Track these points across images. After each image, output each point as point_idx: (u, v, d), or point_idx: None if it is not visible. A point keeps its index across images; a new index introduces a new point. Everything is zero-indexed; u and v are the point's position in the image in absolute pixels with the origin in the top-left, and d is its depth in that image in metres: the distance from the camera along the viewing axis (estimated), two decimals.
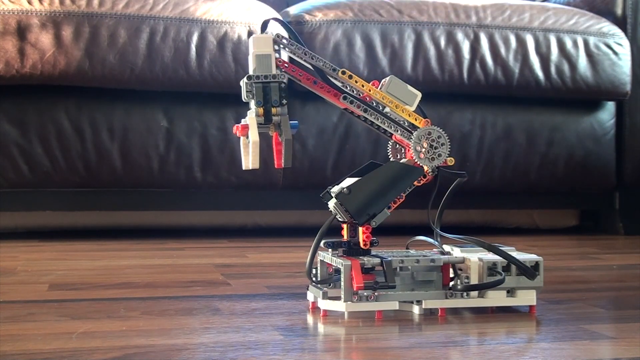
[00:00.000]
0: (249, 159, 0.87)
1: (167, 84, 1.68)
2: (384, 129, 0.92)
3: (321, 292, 0.90)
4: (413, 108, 0.92)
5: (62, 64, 1.62)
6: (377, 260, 0.88)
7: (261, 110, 0.86)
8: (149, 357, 0.71)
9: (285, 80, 0.87)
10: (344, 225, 0.93)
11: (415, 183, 0.91)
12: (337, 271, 0.93)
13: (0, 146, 1.65)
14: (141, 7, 1.67)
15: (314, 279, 0.93)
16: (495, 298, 0.92)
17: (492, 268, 0.91)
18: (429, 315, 0.90)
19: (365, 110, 0.91)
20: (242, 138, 0.89)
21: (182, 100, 1.73)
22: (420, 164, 0.90)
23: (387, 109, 0.91)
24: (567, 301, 1.01)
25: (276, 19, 0.98)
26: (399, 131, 0.91)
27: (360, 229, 0.91)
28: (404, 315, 0.90)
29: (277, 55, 0.88)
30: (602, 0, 2.01)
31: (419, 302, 0.91)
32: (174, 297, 1.02)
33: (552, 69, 1.85)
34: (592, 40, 1.89)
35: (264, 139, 0.87)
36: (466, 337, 0.82)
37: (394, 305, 0.89)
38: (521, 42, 1.84)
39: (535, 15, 1.88)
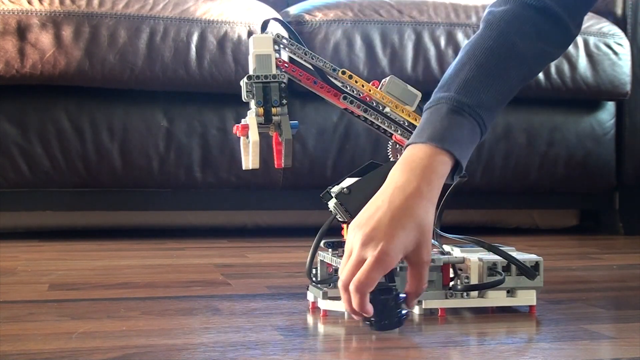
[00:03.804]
0: (249, 159, 0.87)
1: (167, 84, 1.68)
2: (384, 129, 0.92)
3: (321, 292, 0.90)
4: (413, 108, 0.91)
5: (62, 64, 1.62)
6: None
7: (261, 110, 0.86)
8: (149, 357, 0.71)
9: (285, 80, 0.87)
10: (344, 225, 0.93)
11: None
12: (337, 271, 0.92)
13: (0, 146, 1.65)
14: (141, 7, 1.67)
15: (314, 279, 0.93)
16: (495, 298, 0.92)
17: (492, 268, 0.90)
18: (429, 315, 0.90)
19: (365, 110, 0.91)
20: (242, 138, 0.89)
21: (182, 100, 1.73)
22: None
23: (387, 109, 0.91)
24: (567, 301, 1.01)
25: (276, 19, 0.98)
26: (399, 131, 0.91)
27: None
28: None
29: (277, 55, 0.88)
30: (602, 0, 2.01)
31: (419, 302, 0.90)
32: (174, 297, 1.02)
33: (552, 69, 1.85)
34: (592, 40, 1.89)
35: (264, 139, 0.87)
36: (466, 337, 0.82)
37: None
38: None
39: None
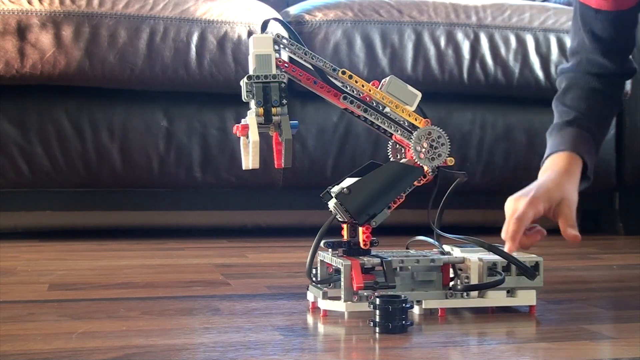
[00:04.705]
0: (249, 159, 0.87)
1: (167, 84, 1.68)
2: (384, 129, 0.92)
3: (321, 292, 0.90)
4: (413, 108, 0.91)
5: (62, 64, 1.62)
6: (377, 260, 0.88)
7: (261, 110, 0.86)
8: (149, 357, 0.71)
9: (285, 80, 0.87)
10: (344, 225, 0.93)
11: (415, 183, 0.91)
12: (337, 271, 0.93)
13: (0, 146, 1.65)
14: (141, 7, 1.67)
15: (314, 279, 0.93)
16: (495, 298, 0.92)
17: (492, 268, 0.91)
18: (429, 315, 0.90)
19: (365, 110, 0.91)
20: (242, 138, 0.89)
21: (182, 100, 1.73)
22: (420, 164, 0.90)
23: (387, 109, 0.91)
24: (567, 301, 1.01)
25: (276, 19, 0.98)
26: (399, 131, 0.91)
27: (360, 229, 0.91)
28: None
29: (277, 55, 0.88)
30: None
31: (419, 302, 0.91)
32: (174, 297, 1.02)
33: (552, 69, 1.85)
34: None
35: (264, 139, 0.87)
36: (466, 337, 0.82)
37: None
38: (521, 42, 1.84)
39: (535, 15, 1.87)
